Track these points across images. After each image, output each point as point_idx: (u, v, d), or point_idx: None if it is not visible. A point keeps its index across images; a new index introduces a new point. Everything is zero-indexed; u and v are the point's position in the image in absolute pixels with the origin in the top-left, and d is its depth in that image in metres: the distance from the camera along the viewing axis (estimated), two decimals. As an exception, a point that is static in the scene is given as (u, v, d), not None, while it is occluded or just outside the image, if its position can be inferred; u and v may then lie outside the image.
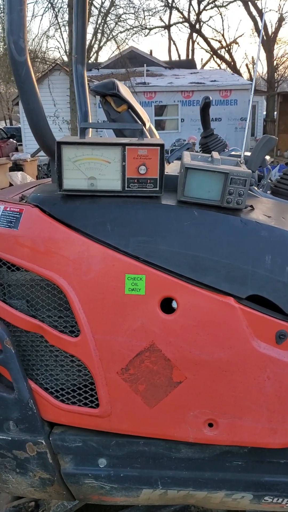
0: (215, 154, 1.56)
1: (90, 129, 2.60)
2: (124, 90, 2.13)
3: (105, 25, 26.87)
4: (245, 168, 1.51)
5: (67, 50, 18.92)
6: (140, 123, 2.11)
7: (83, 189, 1.50)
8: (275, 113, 22.68)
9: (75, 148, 1.47)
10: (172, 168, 2.09)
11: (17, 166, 11.71)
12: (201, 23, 32.60)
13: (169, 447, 1.59)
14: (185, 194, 1.49)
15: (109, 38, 27.77)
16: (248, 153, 2.02)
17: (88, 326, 1.48)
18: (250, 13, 28.09)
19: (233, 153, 2.26)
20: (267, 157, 2.02)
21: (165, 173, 1.55)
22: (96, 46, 27.99)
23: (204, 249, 1.45)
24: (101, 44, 29.34)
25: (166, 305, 1.46)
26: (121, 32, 33.00)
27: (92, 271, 1.46)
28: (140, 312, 1.46)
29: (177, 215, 1.48)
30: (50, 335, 1.53)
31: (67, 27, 18.61)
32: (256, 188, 2.05)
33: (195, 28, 32.15)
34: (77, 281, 1.47)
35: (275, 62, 29.35)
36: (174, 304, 1.47)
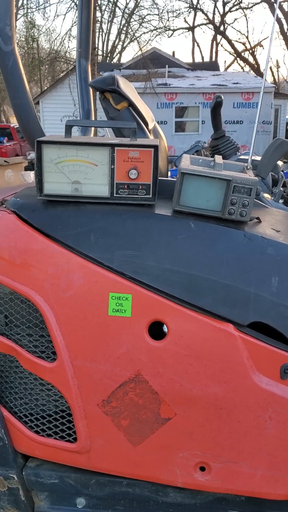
0: (218, 158, 1.36)
1: (93, 128, 2.44)
2: (125, 86, 1.94)
3: (129, 26, 26.80)
4: (252, 175, 1.31)
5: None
6: (141, 122, 1.92)
7: (66, 194, 1.32)
8: (298, 117, 22.31)
9: (57, 148, 1.29)
10: None
11: (33, 165, 11.59)
12: (226, 25, 32.30)
13: (155, 489, 1.40)
14: (181, 203, 1.30)
15: (133, 39, 27.69)
16: (258, 158, 1.83)
17: (66, 351, 1.30)
18: (275, 16, 27.70)
19: (242, 157, 2.07)
20: (280, 163, 1.82)
21: (160, 178, 1.37)
22: (119, 47, 27.94)
23: (201, 267, 1.26)
24: (124, 45, 29.27)
25: (155, 330, 1.27)
26: (144, 33, 32.90)
27: (72, 288, 1.28)
28: (125, 336, 1.27)
29: (170, 227, 1.29)
30: (23, 358, 1.36)
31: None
32: (268, 197, 1.86)
33: (219, 30, 31.84)
34: (55, 299, 1.29)
35: (299, 66, 28.88)
36: (164, 329, 1.28)
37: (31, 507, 1.47)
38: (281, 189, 1.88)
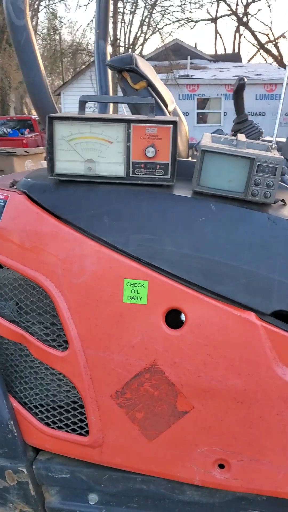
0: (240, 137, 1.28)
1: (111, 105, 2.36)
2: (144, 66, 1.86)
3: (151, 18, 26.58)
4: (277, 154, 1.23)
5: (111, 40, 18.72)
6: (161, 102, 1.84)
7: (79, 174, 1.25)
8: None
9: (70, 124, 1.22)
10: None
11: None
12: (249, 16, 31.86)
13: (171, 487, 1.33)
14: (201, 184, 1.22)
15: (155, 30, 27.48)
16: (283, 139, 1.74)
17: (78, 339, 1.24)
18: (300, 6, 27.22)
19: (266, 138, 1.97)
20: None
21: (180, 159, 1.29)
22: (141, 38, 27.77)
23: (221, 252, 1.18)
24: (147, 36, 29.07)
25: (172, 318, 1.20)
26: (167, 25, 32.64)
27: (85, 274, 1.21)
28: (141, 325, 1.20)
29: (189, 209, 1.21)
30: (34, 347, 1.29)
31: (112, 18, 18.48)
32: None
33: (242, 21, 31.41)
34: (66, 285, 1.23)
35: None
36: (182, 317, 1.20)
37: (41, 502, 1.41)
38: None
